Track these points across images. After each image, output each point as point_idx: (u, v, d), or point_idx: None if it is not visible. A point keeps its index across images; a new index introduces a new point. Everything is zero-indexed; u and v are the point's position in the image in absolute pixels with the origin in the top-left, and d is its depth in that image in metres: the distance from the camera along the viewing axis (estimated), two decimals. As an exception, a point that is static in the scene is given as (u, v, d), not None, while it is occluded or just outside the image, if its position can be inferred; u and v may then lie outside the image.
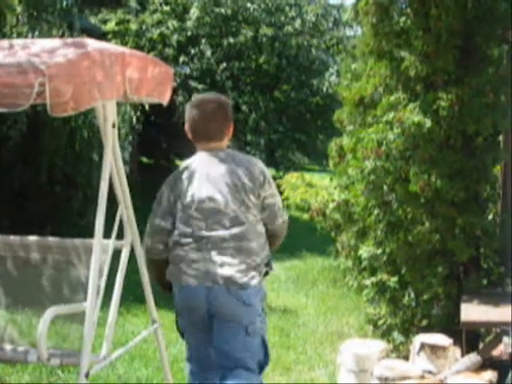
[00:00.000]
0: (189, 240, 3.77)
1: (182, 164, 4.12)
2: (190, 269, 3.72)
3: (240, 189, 3.79)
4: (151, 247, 3.92)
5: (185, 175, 3.94)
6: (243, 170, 3.82)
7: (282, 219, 3.94)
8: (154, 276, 4.09)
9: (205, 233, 3.74)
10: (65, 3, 9.57)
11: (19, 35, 8.07)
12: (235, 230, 3.73)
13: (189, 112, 4.01)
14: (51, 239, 4.23)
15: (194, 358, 3.95)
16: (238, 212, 3.75)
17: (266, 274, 3.86)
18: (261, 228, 3.83)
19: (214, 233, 3.73)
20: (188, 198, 3.83)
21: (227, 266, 3.68)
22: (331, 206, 6.26)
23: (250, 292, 3.69)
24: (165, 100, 4.18)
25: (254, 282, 3.71)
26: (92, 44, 3.56)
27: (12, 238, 4.26)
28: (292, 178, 8.40)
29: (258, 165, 3.91)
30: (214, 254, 3.71)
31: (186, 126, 4.02)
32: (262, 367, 3.86)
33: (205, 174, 3.85)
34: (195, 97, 4.15)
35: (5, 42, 3.62)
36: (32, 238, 4.23)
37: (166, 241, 3.85)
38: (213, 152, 3.94)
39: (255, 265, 3.74)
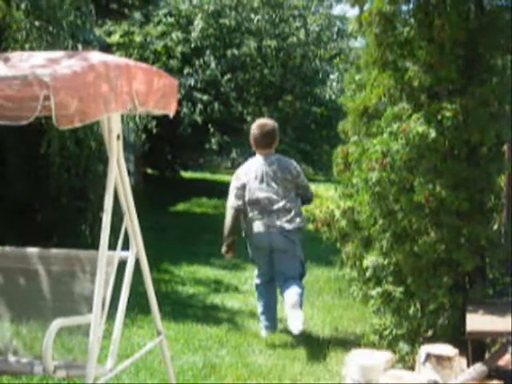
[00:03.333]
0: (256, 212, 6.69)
1: (247, 161, 7.00)
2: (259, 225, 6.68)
3: (283, 179, 6.68)
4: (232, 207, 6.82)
5: (246, 170, 6.83)
6: (285, 169, 6.74)
7: (310, 192, 6.92)
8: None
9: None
10: (75, 16, 9.59)
11: (24, 48, 8.09)
12: (282, 203, 6.66)
13: (253, 130, 6.83)
14: (54, 251, 4.25)
15: (262, 274, 6.86)
16: (282, 192, 6.67)
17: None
18: (296, 199, 6.77)
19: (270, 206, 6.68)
20: (252, 186, 6.72)
21: (279, 221, 6.63)
22: (337, 214, 6.25)
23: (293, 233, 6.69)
24: (170, 111, 4.21)
25: (295, 227, 6.67)
26: (96, 56, 3.58)
27: (15, 249, 4.27)
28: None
29: (294, 164, 6.85)
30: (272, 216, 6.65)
31: (251, 139, 6.84)
32: (301, 276, 6.86)
33: (265, 170, 6.71)
34: (257, 120, 7.05)
35: (8, 55, 3.63)
36: (35, 250, 4.24)
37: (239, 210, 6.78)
38: (266, 156, 6.79)
39: (294, 219, 6.66)
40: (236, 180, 6.83)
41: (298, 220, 6.69)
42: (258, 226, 6.68)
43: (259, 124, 6.86)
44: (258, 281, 6.94)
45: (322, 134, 17.00)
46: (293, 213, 6.67)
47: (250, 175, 6.75)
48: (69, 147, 8.76)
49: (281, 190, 6.67)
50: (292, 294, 6.51)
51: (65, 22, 8.87)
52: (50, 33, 8.54)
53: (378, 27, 5.68)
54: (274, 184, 6.67)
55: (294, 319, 6.36)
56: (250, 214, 6.71)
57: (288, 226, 6.63)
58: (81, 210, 9.46)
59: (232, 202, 6.79)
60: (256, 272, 6.99)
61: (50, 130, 8.24)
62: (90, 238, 9.02)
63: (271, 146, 6.80)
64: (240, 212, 6.76)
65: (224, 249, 6.91)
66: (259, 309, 6.90)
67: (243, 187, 6.73)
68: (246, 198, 6.72)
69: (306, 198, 6.88)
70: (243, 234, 6.89)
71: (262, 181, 6.70)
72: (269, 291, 6.87)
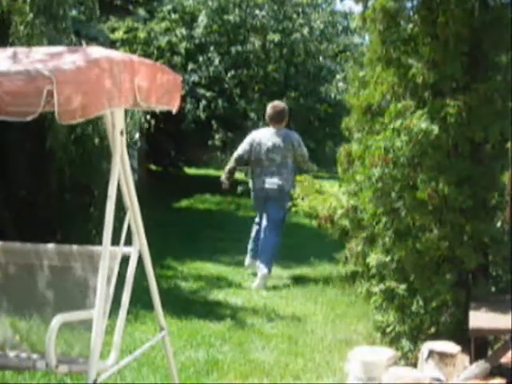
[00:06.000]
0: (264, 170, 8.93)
1: (262, 128, 9.60)
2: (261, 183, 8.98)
3: (283, 148, 8.87)
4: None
5: (258, 137, 9.07)
6: (287, 139, 8.95)
7: (306, 156, 9.13)
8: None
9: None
10: (79, 11, 9.60)
11: (28, 43, 8.09)
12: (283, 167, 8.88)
13: (268, 109, 9.10)
14: (56, 246, 4.25)
15: (259, 218, 9.20)
16: (281, 158, 8.87)
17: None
18: (292, 165, 8.95)
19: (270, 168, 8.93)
20: (259, 151, 8.93)
21: (277, 180, 8.86)
22: (339, 212, 6.26)
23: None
24: (174, 107, 4.21)
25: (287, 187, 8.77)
26: (100, 51, 3.58)
27: (16, 244, 4.27)
28: (304, 180, 8.34)
29: (295, 137, 9.09)
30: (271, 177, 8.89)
31: (266, 116, 9.11)
32: (284, 218, 9.17)
33: (272, 139, 8.92)
34: (272, 102, 9.40)
35: (11, 50, 3.63)
36: (36, 245, 4.24)
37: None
38: (276, 130, 8.99)
39: (287, 180, 8.83)
40: (248, 137, 9.15)
41: (286, 182, 8.83)
42: (258, 183, 8.96)
43: (272, 105, 9.18)
44: (256, 225, 9.28)
45: (326, 131, 16.98)
46: (284, 176, 8.85)
47: (259, 140, 8.96)
48: (72, 143, 8.76)
49: (279, 157, 8.83)
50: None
51: (69, 18, 8.86)
52: (55, 28, 8.53)
53: (382, 24, 5.67)
54: (275, 151, 8.85)
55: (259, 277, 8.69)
56: (254, 172, 9.08)
57: (279, 184, 8.85)
58: (85, 206, 9.46)
59: (237, 152, 9.20)
60: (256, 218, 9.33)
61: (55, 126, 8.23)
62: (94, 234, 9.02)
63: (281, 122, 8.98)
64: (239, 161, 9.22)
65: (224, 177, 9.44)
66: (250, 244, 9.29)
67: (250, 145, 8.99)
68: (252, 158, 8.97)
69: (304, 165, 9.18)
70: (250, 188, 9.34)
71: (267, 147, 8.86)
72: (259, 234, 9.12)
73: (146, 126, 11.91)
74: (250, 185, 9.34)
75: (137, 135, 11.50)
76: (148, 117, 11.97)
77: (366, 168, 5.64)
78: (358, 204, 6.02)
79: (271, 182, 8.88)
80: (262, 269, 8.66)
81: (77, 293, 4.09)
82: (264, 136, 9.00)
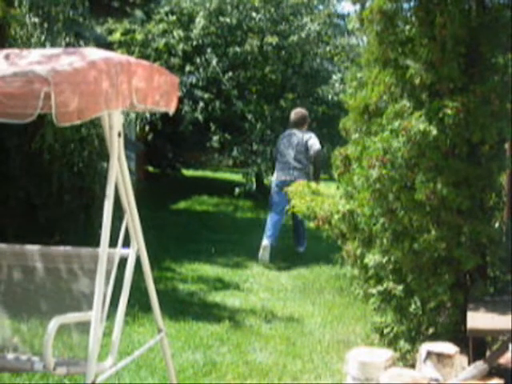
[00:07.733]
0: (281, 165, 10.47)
1: (287, 131, 10.87)
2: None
3: (298, 144, 10.36)
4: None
5: (284, 137, 10.66)
6: (302, 137, 10.40)
7: (315, 150, 10.32)
8: None
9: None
10: (72, 13, 9.59)
11: (25, 45, 8.09)
12: (296, 161, 10.33)
13: (291, 115, 10.82)
14: (55, 248, 4.25)
15: (276, 208, 10.21)
16: (296, 154, 10.35)
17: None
18: (305, 160, 10.33)
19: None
20: (283, 147, 10.53)
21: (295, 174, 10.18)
22: (336, 216, 6.25)
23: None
24: (171, 109, 4.21)
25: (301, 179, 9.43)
26: (97, 53, 3.58)
27: (15, 246, 4.27)
28: (299, 186, 8.32)
29: (307, 135, 10.47)
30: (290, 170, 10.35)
31: (290, 120, 10.78)
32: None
33: (290, 138, 10.50)
34: (294, 109, 11.27)
35: (7, 52, 3.63)
36: (35, 247, 4.24)
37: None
38: (298, 130, 10.54)
39: (302, 174, 10.19)
40: (279, 139, 10.86)
41: (301, 174, 10.18)
42: (279, 175, 10.39)
43: (294, 111, 10.92)
44: (277, 214, 10.25)
45: (323, 133, 16.95)
46: (300, 168, 10.25)
47: (282, 141, 10.61)
48: (66, 144, 8.77)
49: (294, 152, 10.34)
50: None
51: (64, 20, 8.86)
52: (50, 30, 8.53)
53: (380, 25, 5.67)
54: (293, 147, 10.38)
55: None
56: (277, 166, 10.57)
57: (296, 176, 10.06)
58: (84, 208, 9.47)
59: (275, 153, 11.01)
60: (271, 211, 10.41)
61: (46, 125, 8.23)
62: (91, 236, 9.01)
63: (302, 125, 10.64)
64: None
65: None
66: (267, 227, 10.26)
67: (279, 145, 10.66)
68: (278, 156, 10.57)
69: (314, 158, 10.33)
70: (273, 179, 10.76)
71: (286, 145, 10.47)
72: (278, 218, 10.24)
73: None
74: (273, 178, 10.68)
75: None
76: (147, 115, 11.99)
77: (363, 169, 5.64)
78: (354, 208, 6.01)
79: (291, 174, 10.22)
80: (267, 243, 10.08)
81: (75, 294, 4.09)
82: (288, 136, 10.58)
